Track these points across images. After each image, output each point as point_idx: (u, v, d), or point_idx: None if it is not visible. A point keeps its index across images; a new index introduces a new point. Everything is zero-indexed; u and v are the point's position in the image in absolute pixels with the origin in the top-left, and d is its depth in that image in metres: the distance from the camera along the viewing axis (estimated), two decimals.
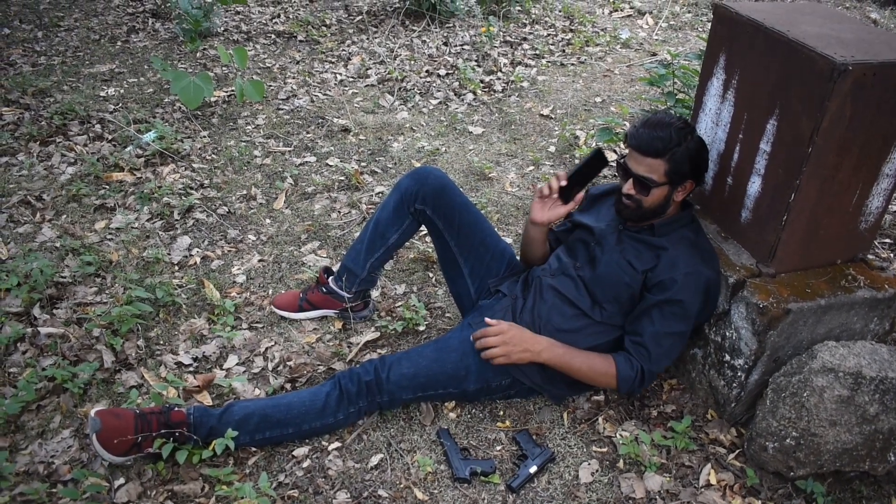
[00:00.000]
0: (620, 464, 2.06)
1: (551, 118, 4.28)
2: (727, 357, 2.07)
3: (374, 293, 2.75)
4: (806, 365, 1.87)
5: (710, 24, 6.40)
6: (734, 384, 2.07)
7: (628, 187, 2.05)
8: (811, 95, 1.78)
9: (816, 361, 1.85)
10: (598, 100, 4.57)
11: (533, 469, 2.00)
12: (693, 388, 2.27)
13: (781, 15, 2.07)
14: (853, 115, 1.77)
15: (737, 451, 2.08)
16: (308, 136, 3.99)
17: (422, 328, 2.56)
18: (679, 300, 1.98)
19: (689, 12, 6.72)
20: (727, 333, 2.06)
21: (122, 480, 1.99)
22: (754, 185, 2.03)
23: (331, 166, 3.66)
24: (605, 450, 2.11)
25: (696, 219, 2.15)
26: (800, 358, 1.93)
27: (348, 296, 2.51)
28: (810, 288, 1.98)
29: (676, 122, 1.99)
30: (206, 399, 2.25)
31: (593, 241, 2.21)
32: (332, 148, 3.85)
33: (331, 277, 2.55)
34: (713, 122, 2.23)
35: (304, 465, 2.05)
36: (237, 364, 2.42)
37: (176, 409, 2.00)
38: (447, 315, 2.65)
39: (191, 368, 2.40)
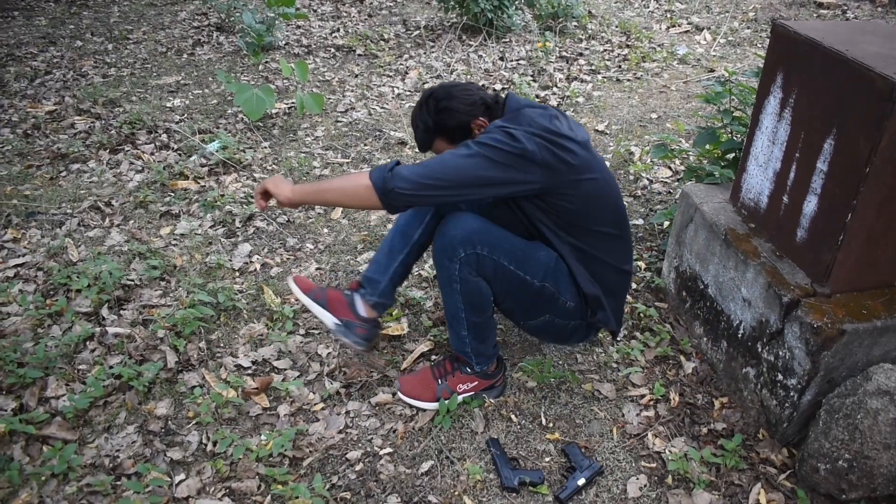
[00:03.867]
0: (669, 480, 2.07)
1: (606, 133, 4.30)
2: (780, 377, 2.07)
3: (429, 304, 2.80)
4: (860, 387, 1.86)
5: (768, 41, 6.33)
6: (787, 404, 2.06)
7: None
8: (870, 115, 1.78)
9: (871, 384, 1.84)
10: (654, 116, 4.57)
11: (581, 482, 2.02)
12: (745, 407, 2.27)
13: (841, 34, 2.06)
14: None
15: (788, 472, 2.06)
16: (365, 147, 4.08)
17: None
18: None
19: (748, 28, 6.66)
20: (780, 353, 2.05)
21: (182, 476, 2.07)
22: (810, 204, 2.03)
23: None
24: (653, 465, 2.12)
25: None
26: (854, 379, 1.92)
27: (365, 315, 2.39)
28: (866, 309, 1.97)
29: (415, 107, 2.24)
30: (263, 402, 2.33)
31: None
32: (388, 159, 3.92)
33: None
34: (770, 141, 2.23)
35: (357, 468, 2.10)
36: (293, 368, 2.49)
37: None
38: (499, 326, 2.69)
39: (249, 371, 2.48)
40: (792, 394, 2.03)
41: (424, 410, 2.29)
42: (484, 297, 2.10)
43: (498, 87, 4.94)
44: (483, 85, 4.97)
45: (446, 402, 2.25)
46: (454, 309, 2.14)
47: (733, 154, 3.14)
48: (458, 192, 1.90)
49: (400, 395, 2.31)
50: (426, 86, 4.98)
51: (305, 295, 2.39)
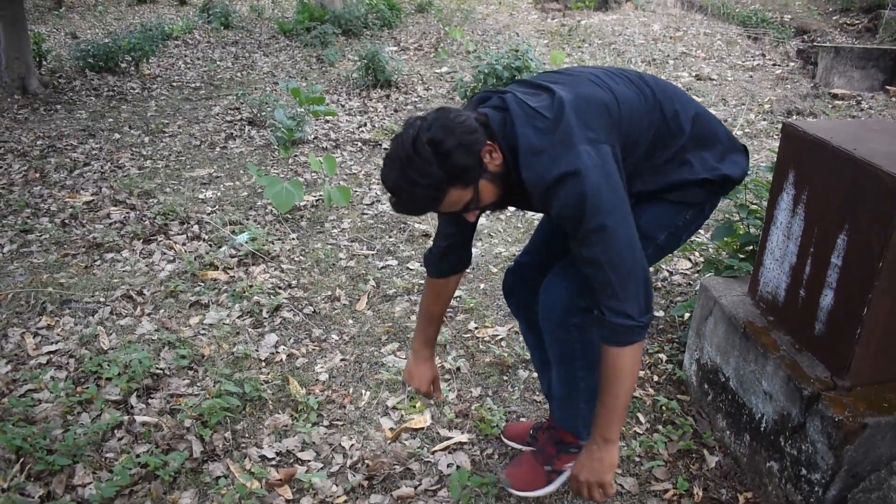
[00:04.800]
0: None
1: None
2: (804, 471, 2.06)
3: (451, 396, 2.83)
4: (886, 481, 1.86)
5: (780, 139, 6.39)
6: (812, 499, 2.04)
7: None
8: (879, 212, 1.83)
9: None
10: None
11: None
12: (769, 502, 2.24)
13: (849, 133, 2.14)
14: None
15: None
16: (390, 240, 4.18)
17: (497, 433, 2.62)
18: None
19: (763, 120, 6.80)
20: (803, 447, 2.05)
21: None
22: (827, 298, 2.06)
23: (411, 270, 3.81)
24: None
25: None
26: (879, 474, 1.91)
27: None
28: (887, 402, 1.97)
29: (396, 165, 1.66)
30: (286, 493, 2.34)
31: None
32: (412, 252, 4.01)
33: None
34: (784, 236, 2.29)
35: None
36: (317, 460, 2.51)
37: None
38: (522, 418, 2.70)
39: (273, 462, 2.50)
40: (816, 489, 2.02)
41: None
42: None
43: None
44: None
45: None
46: (571, 383, 2.03)
47: (751, 247, 3.18)
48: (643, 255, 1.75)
49: (515, 492, 2.22)
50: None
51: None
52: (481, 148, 1.66)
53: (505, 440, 2.56)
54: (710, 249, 3.82)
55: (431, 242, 2.13)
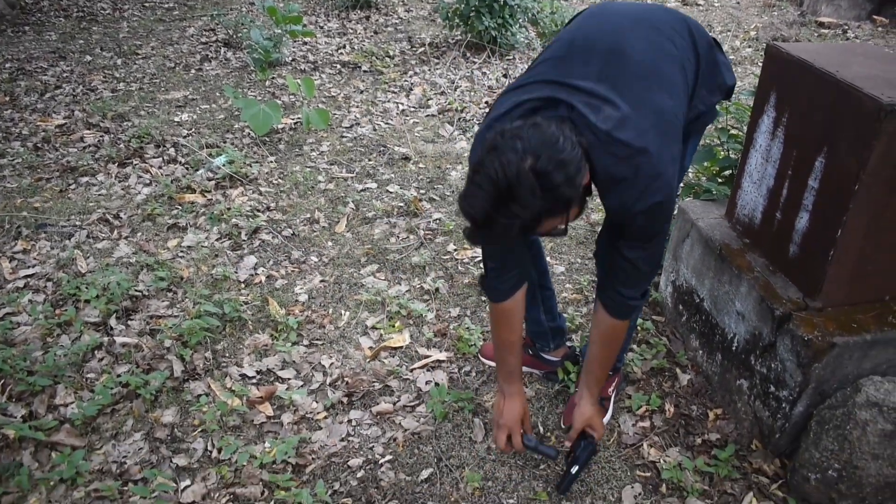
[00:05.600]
0: (663, 488, 2.11)
1: None
2: (772, 388, 2.11)
3: (430, 315, 2.85)
4: (850, 398, 1.91)
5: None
6: (779, 415, 2.10)
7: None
8: (858, 135, 1.83)
9: (861, 395, 1.88)
10: None
11: (575, 469, 2.06)
12: (738, 419, 2.31)
13: (832, 56, 2.12)
14: None
15: (780, 482, 2.11)
16: (370, 163, 4.14)
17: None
18: None
19: (749, 47, 6.73)
20: (773, 365, 2.10)
21: (188, 482, 2.12)
22: (802, 221, 2.08)
23: (391, 193, 3.80)
24: (648, 474, 2.16)
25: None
26: (845, 391, 1.96)
27: (553, 358, 2.51)
28: (857, 323, 2.01)
29: (490, 195, 1.43)
30: (267, 410, 2.38)
31: None
32: (392, 175, 3.99)
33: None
34: (763, 159, 2.29)
35: (359, 475, 2.15)
36: (297, 378, 2.54)
37: None
38: None
39: (254, 380, 2.53)
40: (784, 405, 2.07)
41: None
42: None
43: None
44: (486, 102, 5.03)
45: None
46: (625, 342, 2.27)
47: (730, 171, 3.19)
48: None
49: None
50: (430, 102, 5.06)
51: None
52: (584, 180, 1.52)
53: (482, 359, 2.61)
54: (690, 173, 3.83)
55: (482, 267, 2.03)
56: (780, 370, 2.07)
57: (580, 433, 2.09)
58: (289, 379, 2.53)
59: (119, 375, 2.49)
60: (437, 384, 2.48)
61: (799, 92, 2.11)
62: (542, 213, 1.45)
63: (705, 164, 3.29)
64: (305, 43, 6.35)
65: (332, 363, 2.60)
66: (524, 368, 2.42)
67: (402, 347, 2.69)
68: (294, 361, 2.61)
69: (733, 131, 3.49)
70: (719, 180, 3.21)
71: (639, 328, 2.73)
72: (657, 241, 1.73)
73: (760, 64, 6.15)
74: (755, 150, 2.35)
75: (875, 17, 8.02)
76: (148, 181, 3.90)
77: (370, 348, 2.68)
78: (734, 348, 2.31)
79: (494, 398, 2.19)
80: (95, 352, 2.62)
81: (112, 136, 4.44)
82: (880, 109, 1.75)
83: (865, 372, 2.04)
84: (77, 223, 3.50)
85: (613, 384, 2.41)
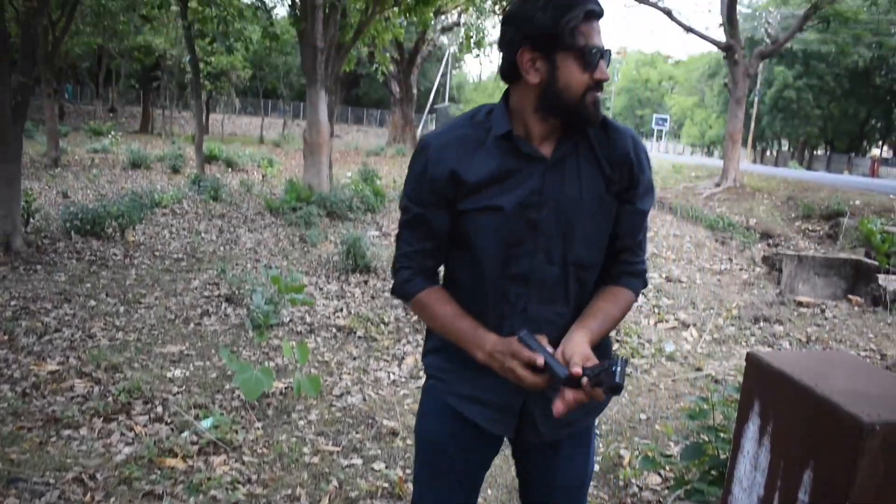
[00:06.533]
0: None
1: (596, 434, 4.35)
2: None
3: None
4: None
5: (752, 338, 6.55)
6: None
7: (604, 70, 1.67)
8: (842, 451, 1.85)
9: None
10: (643, 416, 4.66)
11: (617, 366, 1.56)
12: None
13: (811, 366, 2.19)
14: (888, 470, 1.82)
15: None
16: (357, 436, 4.12)
17: None
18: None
19: (732, 325, 6.99)
20: None
21: None
22: None
23: (376, 471, 3.74)
24: None
25: None
26: None
27: None
28: None
29: None
30: None
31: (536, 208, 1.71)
32: (379, 451, 3.95)
33: None
34: (752, 466, 2.29)
35: None
36: None
37: None
38: None
39: None
40: None
41: None
42: None
43: None
44: None
45: None
46: None
47: (719, 470, 3.19)
48: None
49: None
50: (421, 372, 5.12)
51: None
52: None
53: None
54: (680, 466, 3.81)
55: (394, 268, 1.87)
56: None
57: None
58: None
59: None
60: None
61: (781, 403, 2.16)
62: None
63: (695, 461, 3.29)
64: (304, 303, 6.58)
65: None
66: None
67: None
68: None
69: (720, 427, 3.54)
70: (709, 478, 3.20)
71: None
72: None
73: (744, 344, 6.39)
74: (743, 455, 2.35)
75: (850, 296, 8.43)
76: (131, 439, 3.86)
77: None
78: None
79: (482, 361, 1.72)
80: None
81: (102, 387, 4.46)
82: (861, 429, 1.79)
83: None
84: (51, 481, 3.40)
85: None
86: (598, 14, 1.62)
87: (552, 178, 1.70)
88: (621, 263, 1.86)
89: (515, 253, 1.71)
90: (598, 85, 1.64)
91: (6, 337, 5.22)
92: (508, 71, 1.68)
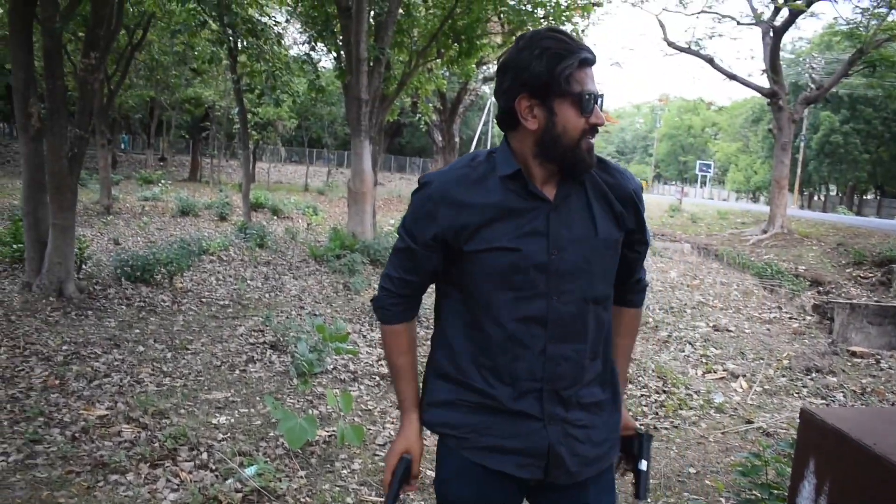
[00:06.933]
0: None
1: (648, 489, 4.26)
2: None
3: None
4: None
5: (804, 390, 6.34)
6: None
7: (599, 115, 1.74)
8: None
9: None
10: (693, 470, 4.54)
11: (643, 466, 1.90)
12: None
13: (867, 424, 2.13)
14: None
15: None
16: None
17: None
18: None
19: (783, 376, 6.80)
20: None
21: None
22: None
23: None
24: None
25: None
26: None
27: None
28: None
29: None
30: None
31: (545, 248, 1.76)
32: (422, 502, 3.91)
33: None
34: None
35: None
36: None
37: None
38: None
39: None
40: None
41: None
42: None
43: None
44: None
45: None
46: None
47: None
48: None
49: None
50: None
51: None
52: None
53: None
54: None
55: (380, 285, 1.95)
56: None
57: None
58: None
59: None
60: None
61: (838, 462, 2.09)
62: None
63: None
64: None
65: None
66: None
67: None
68: None
69: (773, 485, 3.44)
70: None
71: None
72: None
73: (795, 395, 6.22)
74: None
75: None
76: (176, 486, 3.88)
77: None
78: None
79: (402, 432, 1.98)
80: None
81: (149, 433, 4.50)
82: None
83: None
84: None
85: None
86: (591, 62, 1.68)
87: (557, 219, 1.74)
88: (630, 285, 1.99)
89: (527, 295, 1.74)
90: (593, 129, 1.70)
91: (57, 381, 5.33)
92: (507, 119, 1.74)
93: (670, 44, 21.26)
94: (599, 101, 1.69)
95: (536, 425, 1.77)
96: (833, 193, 59.37)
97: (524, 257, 1.71)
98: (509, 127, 1.75)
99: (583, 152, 1.70)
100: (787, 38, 32.52)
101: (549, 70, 1.63)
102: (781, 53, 20.62)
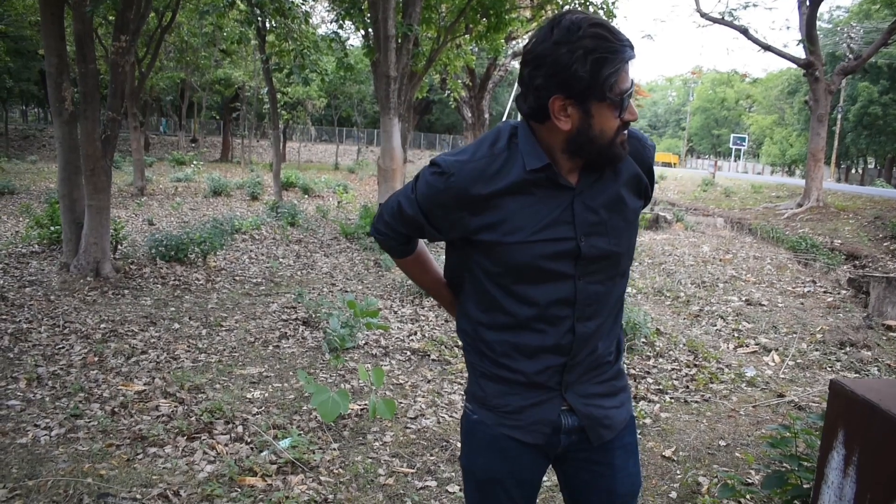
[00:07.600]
0: None
1: (673, 460, 4.27)
2: None
3: None
4: None
5: (837, 364, 6.27)
6: None
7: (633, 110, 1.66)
8: None
9: None
10: (723, 443, 4.53)
11: None
12: None
13: None
14: None
15: None
16: (431, 458, 4.14)
17: None
18: None
19: (816, 350, 6.73)
20: None
21: None
22: None
23: (450, 493, 3.75)
24: None
25: None
26: None
27: None
28: None
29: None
30: None
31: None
32: (453, 474, 3.96)
33: None
34: (837, 497, 2.22)
35: None
36: None
37: None
38: None
39: None
40: None
41: None
42: None
43: None
44: None
45: None
46: None
47: (802, 500, 3.09)
48: None
49: None
50: None
51: None
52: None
53: None
54: (761, 495, 3.70)
55: (381, 227, 1.94)
56: None
57: None
58: None
59: None
60: None
61: (868, 432, 2.10)
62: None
63: (776, 490, 3.20)
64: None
65: None
66: None
67: None
68: None
69: (803, 456, 3.43)
70: None
71: None
72: None
73: (828, 370, 6.16)
74: (827, 486, 2.29)
75: None
76: (212, 458, 3.97)
77: None
78: None
79: None
80: None
81: (186, 407, 4.60)
82: None
83: None
84: (138, 496, 3.53)
85: None
86: (632, 58, 1.58)
87: (582, 205, 1.69)
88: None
89: (554, 280, 1.71)
90: (626, 125, 1.64)
91: (96, 358, 5.46)
92: (535, 112, 1.64)
93: (703, 14, 20.85)
94: (632, 90, 1.60)
95: (554, 394, 1.79)
96: (871, 166, 58.12)
97: (550, 246, 1.68)
98: (536, 119, 1.66)
99: (617, 147, 1.64)
100: (823, 7, 31.79)
101: (592, 76, 1.53)
102: (818, 23, 20.15)
